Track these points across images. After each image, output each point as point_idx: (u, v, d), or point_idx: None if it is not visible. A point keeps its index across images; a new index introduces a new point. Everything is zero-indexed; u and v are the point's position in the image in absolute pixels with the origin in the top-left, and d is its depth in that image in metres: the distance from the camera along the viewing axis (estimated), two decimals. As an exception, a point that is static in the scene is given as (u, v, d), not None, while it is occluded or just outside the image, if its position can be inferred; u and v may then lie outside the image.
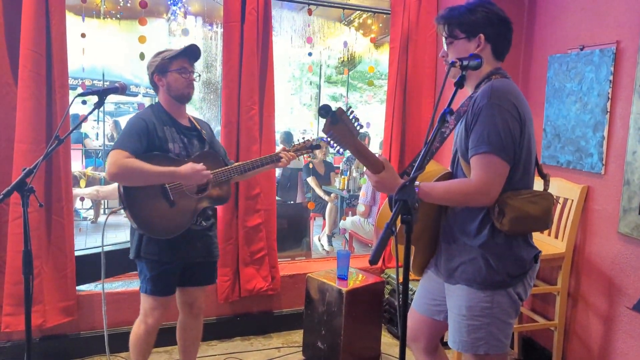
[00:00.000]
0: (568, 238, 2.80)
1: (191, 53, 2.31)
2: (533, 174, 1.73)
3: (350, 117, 1.41)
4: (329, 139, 1.40)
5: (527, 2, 3.23)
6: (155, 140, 2.22)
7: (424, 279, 1.96)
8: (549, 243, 2.91)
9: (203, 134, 2.40)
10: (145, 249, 2.25)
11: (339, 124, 1.37)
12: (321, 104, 1.35)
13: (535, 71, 3.15)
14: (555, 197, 2.78)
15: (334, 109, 1.35)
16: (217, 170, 2.29)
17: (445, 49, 1.76)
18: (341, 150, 1.45)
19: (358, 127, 1.43)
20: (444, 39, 1.75)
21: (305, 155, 2.61)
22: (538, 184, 1.77)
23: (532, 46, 3.18)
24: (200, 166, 2.20)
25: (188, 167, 2.18)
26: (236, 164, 2.38)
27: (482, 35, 1.67)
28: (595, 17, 2.74)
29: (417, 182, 1.57)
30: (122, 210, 2.23)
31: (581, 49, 2.80)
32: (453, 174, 1.75)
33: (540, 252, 1.74)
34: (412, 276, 3.32)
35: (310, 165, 5.89)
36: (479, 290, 1.66)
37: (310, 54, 5.61)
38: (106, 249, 2.93)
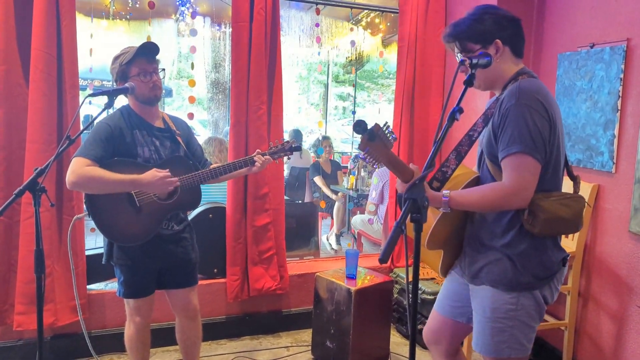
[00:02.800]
0: (579, 237, 2.78)
1: (147, 51, 2.18)
2: (562, 175, 1.70)
3: (386, 131, 1.40)
4: (365, 156, 1.39)
5: (537, 1, 3.21)
6: (122, 146, 2.16)
7: (447, 280, 1.94)
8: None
9: (177, 135, 2.32)
10: (117, 254, 2.24)
11: (376, 141, 1.37)
12: (356, 120, 1.36)
13: (545, 69, 3.13)
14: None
15: (369, 125, 1.34)
16: (184, 176, 2.20)
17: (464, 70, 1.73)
18: (375, 164, 1.44)
19: (392, 139, 1.43)
20: (458, 56, 1.70)
21: (285, 158, 2.49)
22: (566, 186, 1.74)
23: (542, 44, 3.16)
24: (163, 173, 2.11)
25: (150, 174, 2.10)
26: (207, 169, 2.30)
27: (498, 40, 1.65)
28: (605, 14, 2.71)
29: (446, 192, 1.56)
30: (89, 217, 2.21)
31: (591, 47, 2.78)
32: (480, 175, 1.73)
33: (568, 255, 1.71)
34: (422, 275, 3.32)
35: (313, 159, 5.88)
36: (504, 292, 1.63)
37: (319, 54, 5.62)
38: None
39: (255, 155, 2.35)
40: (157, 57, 2.23)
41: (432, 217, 1.67)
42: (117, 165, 2.11)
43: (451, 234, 1.76)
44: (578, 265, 2.81)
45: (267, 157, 2.37)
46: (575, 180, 1.77)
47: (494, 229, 1.66)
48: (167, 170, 2.14)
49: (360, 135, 1.36)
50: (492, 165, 1.64)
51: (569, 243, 2.83)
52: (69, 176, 2.05)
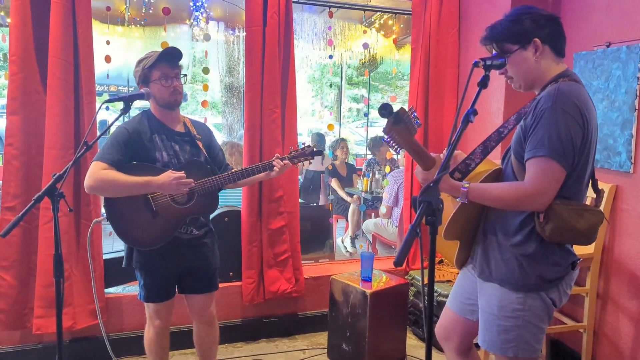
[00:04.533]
0: (597, 238, 2.74)
1: (170, 56, 2.20)
2: (586, 184, 1.67)
3: (411, 116, 1.42)
4: (389, 140, 1.40)
5: (551, 0, 3.17)
6: (141, 150, 2.18)
7: (460, 276, 1.95)
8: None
9: (197, 139, 2.32)
10: (136, 257, 2.27)
11: (400, 125, 1.38)
12: (382, 103, 1.36)
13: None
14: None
15: (395, 109, 1.36)
16: (201, 180, 2.20)
17: (501, 71, 1.71)
18: (398, 150, 1.45)
19: (417, 125, 1.44)
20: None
21: (306, 162, 2.42)
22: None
23: (557, 43, 3.13)
24: (178, 174, 2.11)
25: (165, 175, 2.10)
26: (225, 173, 2.26)
27: (537, 40, 1.63)
28: (621, 13, 2.67)
29: (465, 183, 1.56)
30: (107, 220, 2.24)
31: (607, 46, 2.74)
32: (503, 170, 1.72)
33: (579, 259, 1.69)
34: (437, 278, 3.30)
35: (330, 167, 5.88)
36: (512, 291, 1.64)
37: (331, 57, 5.62)
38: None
39: (274, 160, 2.31)
40: (180, 62, 2.26)
41: (452, 207, 1.68)
42: (134, 169, 2.14)
43: (468, 226, 1.76)
44: (596, 267, 2.76)
45: (287, 161, 2.32)
46: (598, 194, 1.72)
47: (507, 227, 1.65)
48: (183, 172, 2.14)
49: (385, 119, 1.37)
50: (517, 163, 1.62)
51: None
52: (87, 180, 2.10)
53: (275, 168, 2.29)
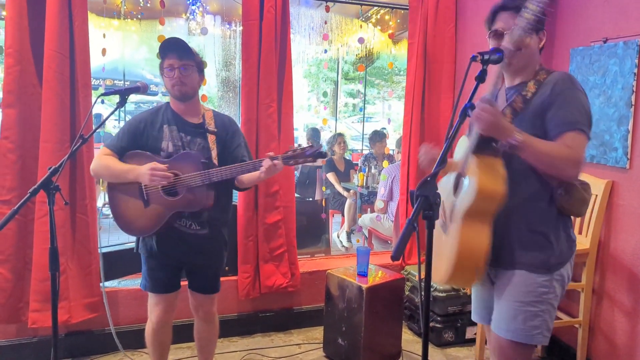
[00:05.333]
0: (592, 234, 2.75)
1: (171, 47, 2.17)
2: None
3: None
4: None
5: (549, -5, 3.17)
6: (149, 139, 2.21)
7: (476, 289, 1.92)
8: (572, 239, 2.86)
9: (209, 133, 2.25)
10: (140, 244, 2.30)
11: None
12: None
13: (557, 65, 3.10)
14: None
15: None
16: (187, 175, 2.12)
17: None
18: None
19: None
20: (508, 32, 1.62)
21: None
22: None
23: (554, 39, 3.13)
24: (159, 166, 2.08)
25: (146, 166, 2.10)
26: (206, 171, 2.13)
27: (544, 32, 1.68)
28: (618, 9, 2.68)
29: (518, 136, 1.51)
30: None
31: (604, 42, 2.74)
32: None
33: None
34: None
35: (323, 162, 5.87)
36: (539, 275, 1.64)
37: (326, 51, 5.60)
38: (127, 246, 3.00)
39: (264, 160, 2.07)
40: (194, 53, 2.20)
41: (484, 238, 1.61)
42: (134, 157, 2.20)
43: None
44: (592, 262, 2.78)
45: (278, 162, 2.06)
46: None
47: (526, 212, 1.66)
48: (167, 165, 2.12)
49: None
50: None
51: (583, 240, 2.80)
52: (92, 163, 2.23)
53: (262, 169, 2.06)
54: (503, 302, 1.70)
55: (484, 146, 1.58)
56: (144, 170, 2.10)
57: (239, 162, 2.20)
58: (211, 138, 2.25)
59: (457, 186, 1.72)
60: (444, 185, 1.80)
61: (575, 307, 2.92)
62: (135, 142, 2.22)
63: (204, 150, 2.23)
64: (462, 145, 1.76)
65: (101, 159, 2.18)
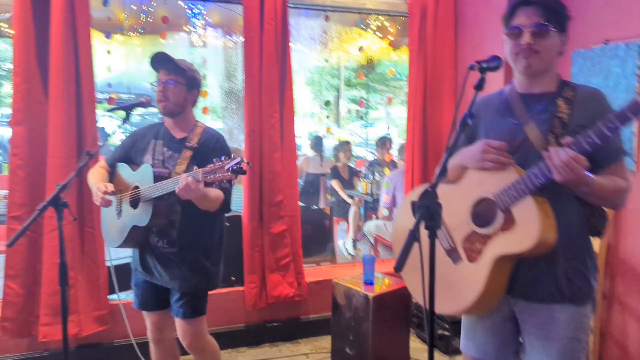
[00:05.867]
0: (601, 239, 2.74)
1: (160, 63, 2.13)
2: None
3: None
4: None
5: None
6: (137, 153, 2.21)
7: (478, 318, 1.69)
8: (577, 242, 2.86)
9: (185, 148, 2.14)
10: (132, 259, 2.32)
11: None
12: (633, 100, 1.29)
13: (559, 68, 3.06)
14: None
15: None
16: (127, 192, 2.13)
17: (529, 40, 1.51)
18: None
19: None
20: (528, 30, 1.50)
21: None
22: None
23: (554, 43, 3.15)
24: (102, 187, 2.06)
25: (97, 185, 2.10)
26: (136, 190, 2.09)
27: (567, 35, 1.56)
28: (618, 10, 2.69)
29: (591, 180, 1.38)
30: None
31: (605, 44, 2.76)
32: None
33: None
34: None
35: (329, 170, 5.90)
36: (582, 306, 1.55)
37: (327, 60, 5.64)
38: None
39: (180, 176, 1.89)
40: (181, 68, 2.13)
41: (507, 274, 1.53)
42: (117, 169, 2.27)
43: (500, 293, 1.57)
44: (601, 267, 2.76)
45: (190, 178, 1.84)
46: None
47: (566, 240, 1.51)
48: (112, 184, 2.14)
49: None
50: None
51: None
52: None
53: (179, 185, 1.86)
54: (552, 342, 1.54)
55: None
56: (94, 190, 2.12)
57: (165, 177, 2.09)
58: (186, 153, 2.13)
59: (478, 214, 1.56)
60: (449, 204, 1.48)
61: (582, 311, 2.91)
62: (126, 154, 2.25)
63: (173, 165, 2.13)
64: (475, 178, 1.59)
65: (92, 169, 2.27)
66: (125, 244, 2.17)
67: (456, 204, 1.60)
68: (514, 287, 1.55)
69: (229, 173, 1.80)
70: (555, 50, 1.55)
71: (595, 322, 2.80)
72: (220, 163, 1.82)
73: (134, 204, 2.11)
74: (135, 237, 2.14)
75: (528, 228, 1.42)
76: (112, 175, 2.28)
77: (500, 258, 1.48)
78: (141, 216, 2.06)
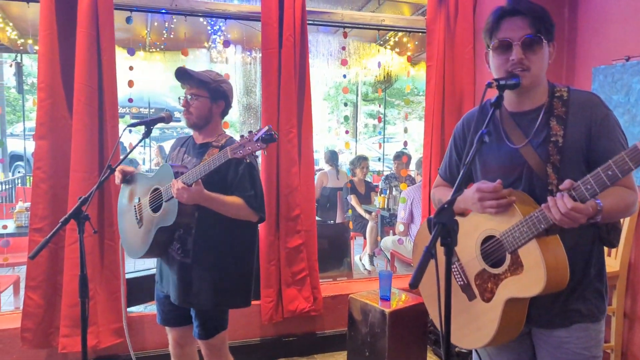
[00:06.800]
0: (622, 256, 2.70)
1: (181, 77, 2.18)
2: None
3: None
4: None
5: (568, 14, 3.18)
6: (167, 159, 2.34)
7: (499, 349, 1.66)
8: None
9: (210, 147, 2.15)
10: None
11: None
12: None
13: (579, 84, 3.09)
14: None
15: None
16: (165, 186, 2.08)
17: (520, 55, 1.43)
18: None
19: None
20: (517, 43, 1.42)
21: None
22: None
23: (575, 58, 3.13)
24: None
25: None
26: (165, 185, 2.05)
27: (554, 44, 1.49)
28: (639, 26, 2.67)
29: (600, 204, 1.31)
30: None
31: (627, 60, 2.73)
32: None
33: None
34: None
35: (349, 185, 5.91)
36: (597, 323, 1.52)
37: (345, 76, 5.67)
38: (152, 272, 3.05)
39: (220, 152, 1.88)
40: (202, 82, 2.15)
41: (525, 309, 1.49)
42: (133, 179, 2.32)
43: (520, 321, 1.54)
44: (623, 285, 2.71)
45: (175, 180, 1.93)
46: None
47: (580, 260, 1.49)
48: (129, 194, 2.26)
49: None
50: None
51: (612, 262, 2.75)
52: None
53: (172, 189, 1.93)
54: None
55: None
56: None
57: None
58: (213, 151, 2.11)
59: (487, 252, 1.52)
60: (461, 238, 1.37)
61: (606, 332, 2.84)
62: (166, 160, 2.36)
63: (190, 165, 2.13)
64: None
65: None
66: (150, 251, 2.11)
67: (467, 238, 1.56)
68: (529, 315, 1.52)
69: (259, 143, 1.80)
70: (546, 62, 1.48)
71: (617, 342, 2.74)
72: (247, 136, 1.83)
73: (156, 207, 2.10)
74: (161, 241, 2.09)
75: (534, 274, 1.39)
76: (128, 183, 2.32)
77: (511, 300, 1.45)
78: (166, 216, 2.03)
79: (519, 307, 1.48)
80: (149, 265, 3.14)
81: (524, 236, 1.40)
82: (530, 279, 1.40)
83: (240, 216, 2.08)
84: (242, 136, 1.84)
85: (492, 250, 1.51)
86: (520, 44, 1.42)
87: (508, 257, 1.45)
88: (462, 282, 1.58)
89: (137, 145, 2.22)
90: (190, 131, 2.28)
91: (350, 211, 6.15)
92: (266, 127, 1.80)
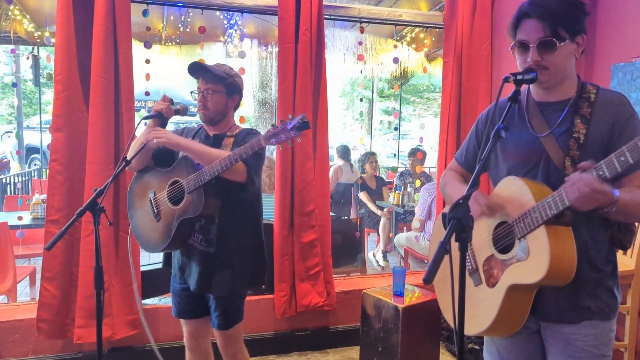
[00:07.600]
0: (638, 254, 2.65)
1: (197, 72, 2.17)
2: None
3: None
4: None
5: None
6: (168, 151, 2.22)
7: (509, 343, 1.65)
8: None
9: (226, 137, 2.19)
10: (172, 261, 2.31)
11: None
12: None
13: (598, 81, 3.02)
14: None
15: None
16: (186, 178, 2.06)
17: (536, 57, 1.44)
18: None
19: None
20: (533, 46, 1.43)
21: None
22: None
23: (594, 56, 3.07)
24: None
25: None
26: (197, 172, 2.03)
27: (584, 35, 1.47)
28: (661, 22, 2.61)
29: (616, 194, 1.30)
30: None
31: (647, 56, 2.67)
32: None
33: None
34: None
35: (360, 181, 5.88)
36: (608, 321, 1.51)
37: (361, 72, 5.64)
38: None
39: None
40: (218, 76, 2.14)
41: (529, 303, 1.49)
42: (142, 173, 2.27)
43: (520, 315, 1.53)
44: (637, 284, 2.67)
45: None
46: None
47: (592, 257, 1.48)
48: (138, 188, 2.22)
49: None
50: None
51: (627, 260, 2.70)
52: None
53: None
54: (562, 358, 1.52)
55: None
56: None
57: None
58: (228, 141, 2.17)
59: (498, 238, 1.53)
60: (478, 221, 1.52)
61: (620, 330, 2.80)
62: (171, 151, 2.22)
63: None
64: (510, 186, 1.52)
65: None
66: (172, 244, 2.11)
67: (481, 223, 1.57)
68: (538, 309, 1.52)
69: (294, 131, 1.80)
70: (567, 60, 1.47)
71: (630, 340, 2.69)
72: (281, 125, 1.83)
73: (176, 199, 2.10)
74: (184, 233, 2.11)
75: (538, 260, 1.38)
76: (137, 179, 2.29)
77: (513, 287, 1.45)
78: (190, 207, 2.03)
79: (522, 298, 1.48)
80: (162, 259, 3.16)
81: (534, 222, 1.40)
82: (534, 264, 1.40)
83: (234, 170, 2.00)
84: (273, 125, 1.85)
85: (502, 235, 1.52)
86: (536, 47, 1.44)
87: (517, 243, 1.46)
88: (470, 267, 1.60)
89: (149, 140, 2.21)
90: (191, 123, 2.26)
91: (359, 207, 6.13)
92: (301, 115, 1.80)
